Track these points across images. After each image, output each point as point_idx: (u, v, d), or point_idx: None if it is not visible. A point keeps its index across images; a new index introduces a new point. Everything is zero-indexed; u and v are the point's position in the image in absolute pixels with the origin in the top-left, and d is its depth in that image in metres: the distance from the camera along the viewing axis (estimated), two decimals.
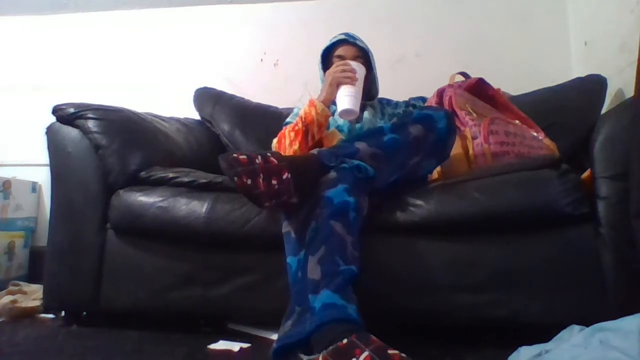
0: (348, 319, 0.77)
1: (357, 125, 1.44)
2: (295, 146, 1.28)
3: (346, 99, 1.25)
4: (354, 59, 1.39)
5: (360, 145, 1.02)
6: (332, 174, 0.96)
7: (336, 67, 1.30)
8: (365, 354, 0.69)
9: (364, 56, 1.44)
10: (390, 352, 0.69)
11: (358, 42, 1.44)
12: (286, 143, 1.30)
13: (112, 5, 2.22)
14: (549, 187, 0.99)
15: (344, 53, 1.43)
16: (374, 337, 0.73)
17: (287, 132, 1.32)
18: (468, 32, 1.95)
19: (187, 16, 2.20)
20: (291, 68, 2.07)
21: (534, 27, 1.91)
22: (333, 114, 1.36)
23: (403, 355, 0.69)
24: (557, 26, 1.89)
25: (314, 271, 0.84)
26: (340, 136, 1.38)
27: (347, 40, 1.44)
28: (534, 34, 1.91)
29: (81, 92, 1.70)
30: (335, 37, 1.47)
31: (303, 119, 1.29)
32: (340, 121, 1.43)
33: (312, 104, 1.30)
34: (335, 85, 1.27)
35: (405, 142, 1.05)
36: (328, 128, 1.39)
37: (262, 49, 2.11)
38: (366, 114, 1.45)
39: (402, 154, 1.05)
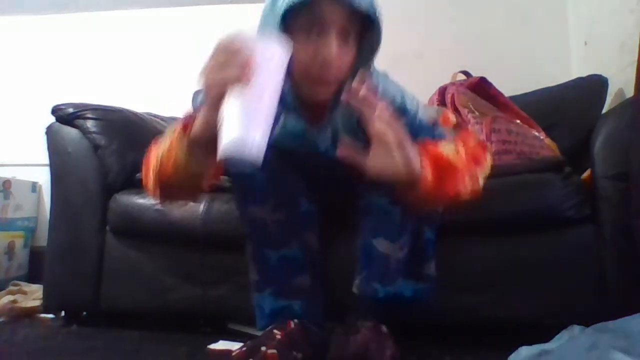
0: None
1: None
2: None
3: (228, 133, 0.62)
4: (342, 32, 0.76)
5: (382, 249, 0.85)
6: None
7: (212, 55, 0.67)
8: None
9: (362, 23, 0.79)
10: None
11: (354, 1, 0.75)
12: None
13: (112, 5, 2.22)
14: (552, 190, 0.99)
15: (324, 16, 0.75)
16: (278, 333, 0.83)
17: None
18: (468, 32, 1.95)
19: (187, 16, 2.20)
20: None
21: (534, 27, 1.91)
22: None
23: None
24: (557, 26, 1.89)
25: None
26: None
27: None
28: (534, 34, 1.90)
29: (81, 92, 1.70)
30: None
31: (156, 169, 0.79)
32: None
33: (170, 145, 0.76)
34: (216, 95, 0.65)
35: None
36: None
37: None
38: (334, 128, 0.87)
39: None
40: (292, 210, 0.91)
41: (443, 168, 0.76)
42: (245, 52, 0.63)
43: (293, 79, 0.80)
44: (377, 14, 0.78)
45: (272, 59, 0.65)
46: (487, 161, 0.86)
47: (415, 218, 0.85)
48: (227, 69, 0.64)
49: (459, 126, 0.91)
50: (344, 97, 0.73)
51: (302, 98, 0.83)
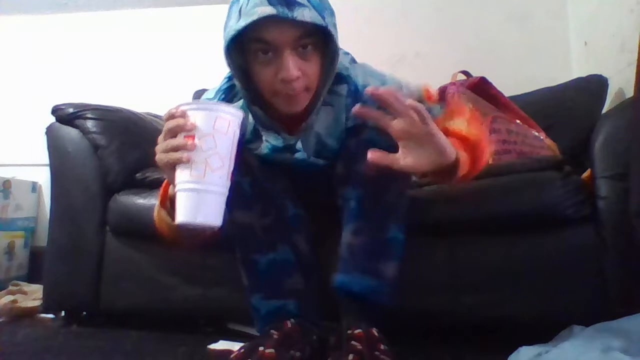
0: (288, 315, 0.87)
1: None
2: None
3: (180, 202, 0.68)
4: (299, 46, 0.78)
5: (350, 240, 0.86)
6: None
7: (162, 135, 0.71)
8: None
9: (317, 34, 0.79)
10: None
11: (296, 15, 0.74)
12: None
13: (112, 5, 2.22)
14: (551, 189, 0.98)
15: (271, 38, 0.76)
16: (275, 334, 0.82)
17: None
18: (468, 32, 1.95)
19: (187, 16, 2.20)
20: None
21: (534, 27, 1.91)
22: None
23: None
24: (557, 26, 1.89)
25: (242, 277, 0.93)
26: None
27: (278, 16, 0.73)
28: (534, 34, 1.91)
29: (81, 92, 1.70)
30: (254, 4, 0.75)
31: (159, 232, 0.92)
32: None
33: (159, 216, 0.90)
34: (171, 169, 0.70)
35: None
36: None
37: None
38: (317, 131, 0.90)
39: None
40: (280, 214, 0.91)
41: (472, 147, 0.79)
42: (187, 122, 0.67)
43: (264, 100, 0.85)
44: (325, 24, 0.77)
45: (216, 123, 0.67)
46: (484, 124, 0.90)
47: (377, 209, 0.84)
48: (172, 141, 0.68)
49: (442, 100, 0.92)
50: (367, 90, 0.72)
51: (279, 114, 0.86)
